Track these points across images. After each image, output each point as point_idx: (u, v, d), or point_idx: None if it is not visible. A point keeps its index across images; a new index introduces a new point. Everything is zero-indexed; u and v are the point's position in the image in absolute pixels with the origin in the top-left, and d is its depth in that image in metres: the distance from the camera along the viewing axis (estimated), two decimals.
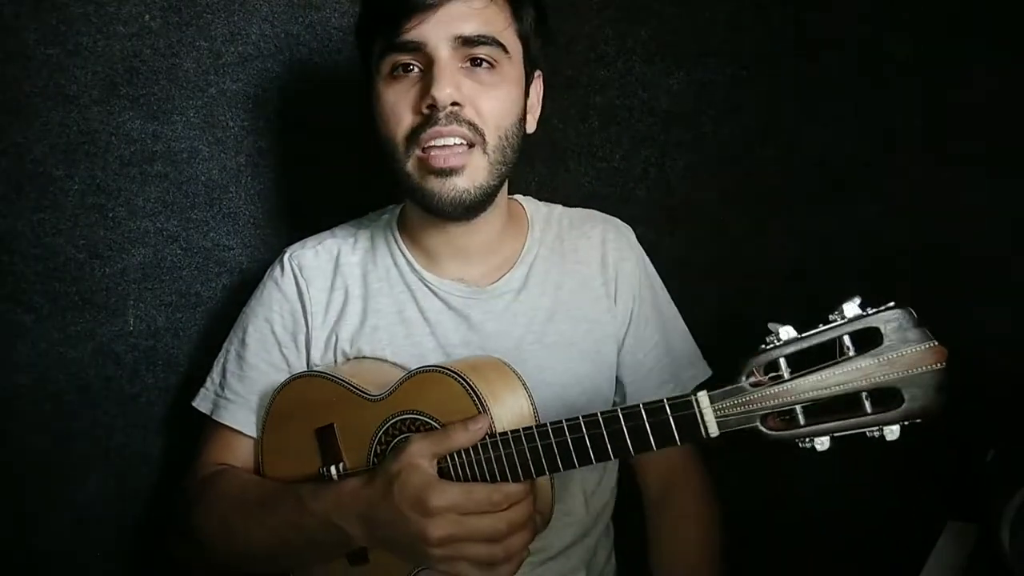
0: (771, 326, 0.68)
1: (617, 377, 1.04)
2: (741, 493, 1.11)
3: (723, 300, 1.21)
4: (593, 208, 1.11)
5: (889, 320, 0.64)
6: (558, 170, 1.31)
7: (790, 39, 1.13)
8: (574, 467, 0.76)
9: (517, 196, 1.09)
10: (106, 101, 1.02)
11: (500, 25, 0.89)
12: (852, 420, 0.66)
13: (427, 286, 1.00)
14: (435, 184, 0.89)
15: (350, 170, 1.24)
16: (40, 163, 0.98)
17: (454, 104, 0.87)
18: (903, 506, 1.06)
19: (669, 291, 1.10)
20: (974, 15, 1.01)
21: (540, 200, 1.11)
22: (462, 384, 0.82)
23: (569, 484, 0.98)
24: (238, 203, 1.16)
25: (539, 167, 1.30)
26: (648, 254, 1.09)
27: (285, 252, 1.04)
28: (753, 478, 1.11)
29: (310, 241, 1.05)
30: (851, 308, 0.65)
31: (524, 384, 0.85)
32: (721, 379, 1.03)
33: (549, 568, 0.98)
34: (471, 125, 0.88)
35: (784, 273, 1.17)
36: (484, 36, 0.88)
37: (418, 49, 0.87)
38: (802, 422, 0.68)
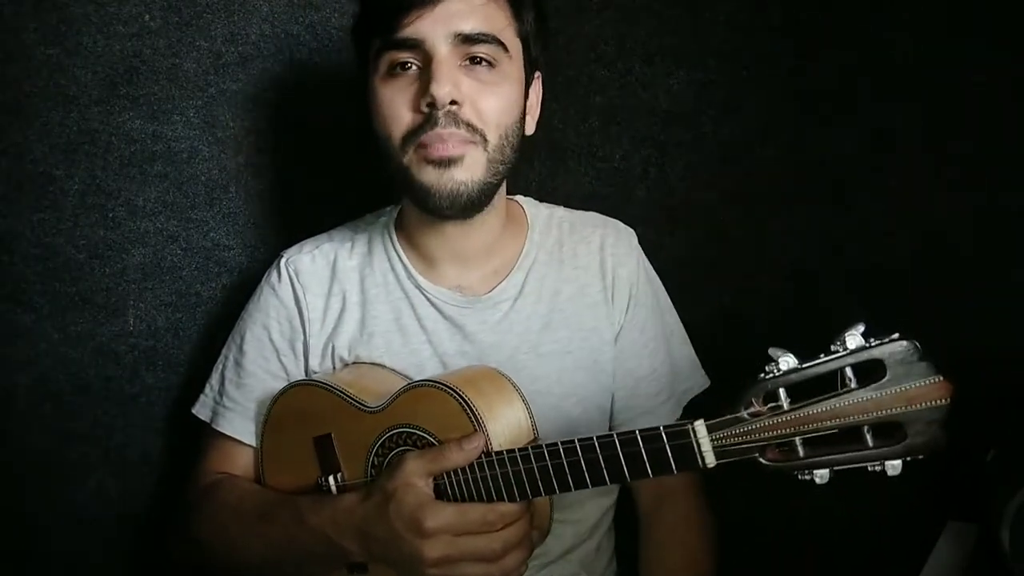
0: (772, 352, 0.66)
1: None
2: (739, 492, 1.10)
3: (723, 300, 1.21)
4: (593, 208, 1.10)
5: (893, 353, 0.62)
6: (558, 170, 1.31)
7: (790, 39, 1.13)
8: (570, 490, 0.76)
9: (517, 197, 1.08)
10: (106, 101, 1.02)
11: (500, 23, 0.88)
12: (853, 454, 0.65)
13: (423, 294, 0.99)
14: (432, 176, 0.87)
15: (350, 170, 1.24)
16: (40, 163, 0.98)
17: (453, 103, 0.85)
18: (903, 506, 1.06)
19: (669, 291, 1.09)
20: (974, 15, 1.01)
21: (540, 200, 1.10)
22: (458, 400, 0.81)
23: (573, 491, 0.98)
24: (238, 203, 1.16)
25: (539, 167, 1.30)
26: (648, 254, 1.08)
27: (281, 257, 1.03)
28: (751, 478, 1.11)
29: (307, 245, 1.04)
30: (854, 339, 0.63)
31: (521, 395, 0.85)
32: (720, 386, 1.05)
33: (550, 572, 0.98)
34: (469, 126, 0.87)
35: (784, 273, 1.17)
36: (484, 34, 0.86)
37: (416, 46, 0.85)
38: (801, 454, 0.67)
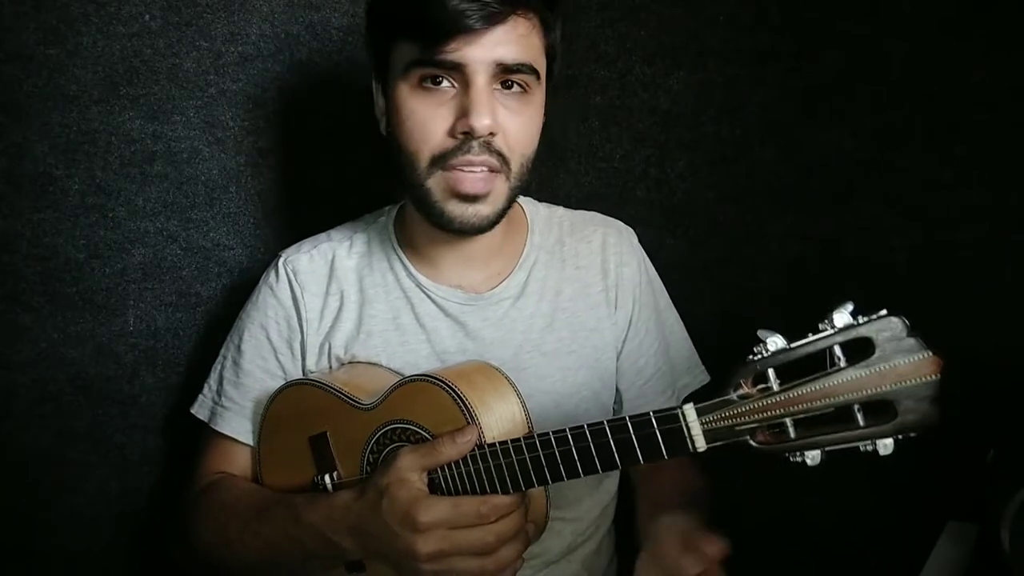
0: (760, 334, 0.66)
1: (616, 386, 1.03)
2: (737, 490, 1.11)
3: (723, 300, 1.22)
4: (593, 208, 1.10)
5: (881, 329, 0.62)
6: (558, 170, 1.31)
7: (790, 39, 1.13)
8: (563, 479, 0.76)
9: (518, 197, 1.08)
10: (106, 101, 1.02)
11: (536, 50, 0.88)
12: (844, 434, 0.64)
13: (424, 291, 0.99)
14: (458, 208, 0.87)
15: (350, 170, 1.25)
16: (40, 163, 0.98)
17: (490, 134, 0.85)
18: (903, 506, 1.06)
19: (668, 291, 1.09)
20: (973, 15, 1.01)
21: (540, 200, 1.10)
22: (450, 394, 0.81)
23: (569, 487, 0.98)
24: (238, 203, 1.16)
25: (539, 167, 1.29)
26: (648, 254, 1.08)
27: (280, 256, 1.03)
28: (751, 477, 1.11)
29: (305, 244, 1.04)
30: (841, 317, 0.63)
31: (515, 389, 0.85)
32: (719, 385, 1.05)
33: (550, 572, 0.98)
34: (499, 154, 0.86)
35: (784, 273, 1.17)
36: (523, 64, 0.85)
37: (455, 69, 0.84)
38: (792, 435, 0.66)
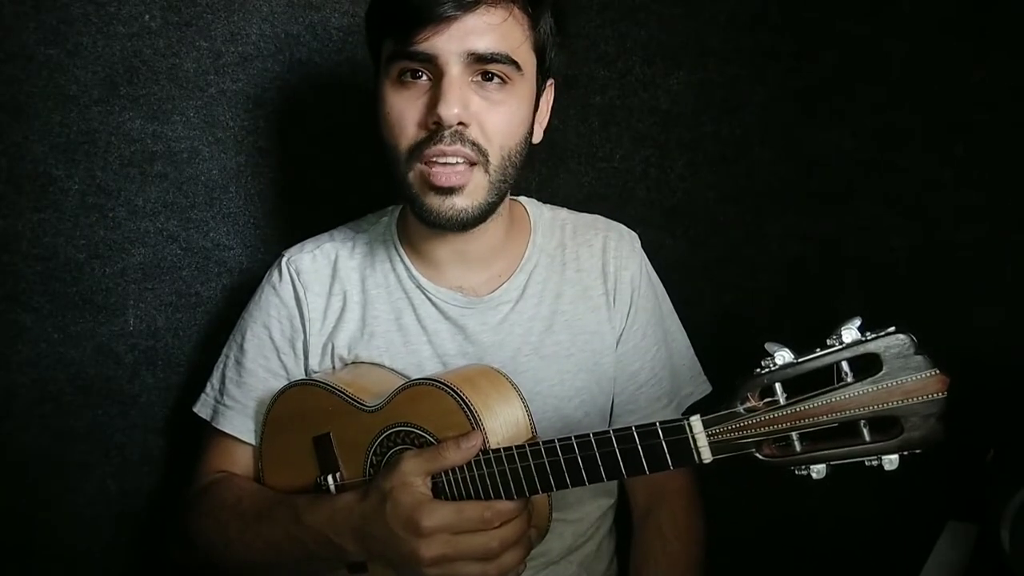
0: (767, 347, 0.66)
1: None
2: (738, 492, 1.10)
3: (723, 300, 1.21)
4: (593, 209, 1.10)
5: (889, 346, 0.62)
6: (558, 170, 1.31)
7: (790, 39, 1.13)
8: (567, 487, 0.76)
9: (520, 198, 1.08)
10: (106, 101, 1.02)
11: (516, 41, 0.86)
12: (849, 448, 0.65)
13: (424, 294, 0.99)
14: (435, 201, 0.87)
15: (350, 170, 1.24)
16: (40, 163, 0.98)
17: (460, 124, 0.84)
18: (903, 506, 1.06)
19: (668, 291, 1.09)
20: (973, 15, 1.01)
21: (542, 201, 1.10)
22: (455, 398, 0.81)
23: (571, 489, 0.98)
24: (238, 203, 1.16)
25: (539, 167, 1.30)
26: (648, 254, 1.08)
27: (283, 256, 1.03)
28: (750, 477, 1.11)
29: (308, 244, 1.04)
30: (849, 333, 0.63)
31: (520, 394, 0.85)
32: (720, 387, 1.05)
33: (550, 572, 0.98)
34: (474, 145, 0.86)
35: (784, 273, 1.17)
36: (498, 54, 0.84)
37: (429, 60, 0.84)
38: (798, 449, 0.66)
